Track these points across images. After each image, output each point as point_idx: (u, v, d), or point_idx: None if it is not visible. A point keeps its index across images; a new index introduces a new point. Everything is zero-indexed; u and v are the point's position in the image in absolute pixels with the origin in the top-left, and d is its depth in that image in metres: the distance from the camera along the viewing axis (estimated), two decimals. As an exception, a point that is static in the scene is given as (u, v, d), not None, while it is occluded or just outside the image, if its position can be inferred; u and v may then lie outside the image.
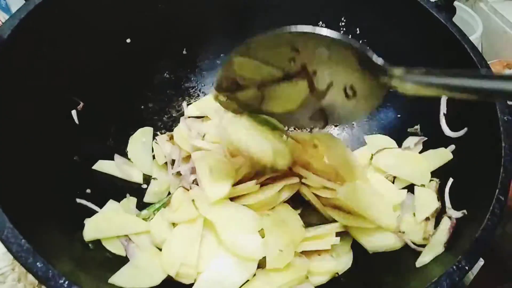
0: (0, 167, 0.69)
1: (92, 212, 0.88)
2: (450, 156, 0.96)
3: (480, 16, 1.49)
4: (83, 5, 0.92)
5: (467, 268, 0.67)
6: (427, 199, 0.93)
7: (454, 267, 0.66)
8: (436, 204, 0.91)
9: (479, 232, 0.70)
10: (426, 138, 1.03)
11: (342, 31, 1.13)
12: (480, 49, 1.47)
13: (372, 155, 1.03)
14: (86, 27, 0.94)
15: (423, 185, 0.97)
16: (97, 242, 0.81)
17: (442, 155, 0.97)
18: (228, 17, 1.14)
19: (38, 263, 0.60)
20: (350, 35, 1.13)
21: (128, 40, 1.05)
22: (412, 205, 0.94)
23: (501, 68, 1.40)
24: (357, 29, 1.12)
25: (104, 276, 0.74)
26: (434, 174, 0.97)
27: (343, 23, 1.13)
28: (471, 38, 1.33)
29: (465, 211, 0.85)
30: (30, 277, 0.96)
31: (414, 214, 0.92)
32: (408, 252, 0.86)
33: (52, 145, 0.86)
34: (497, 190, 0.74)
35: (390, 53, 1.06)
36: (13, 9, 1.28)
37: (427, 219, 0.91)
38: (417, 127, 1.05)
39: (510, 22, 1.50)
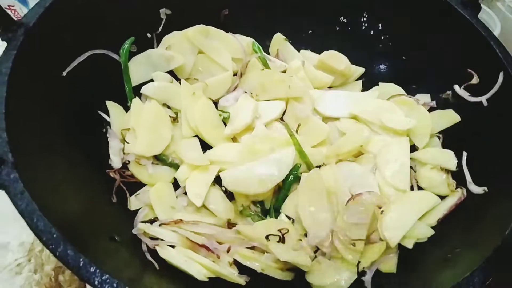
0: (27, 153, 0.68)
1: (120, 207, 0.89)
2: (458, 118, 0.99)
3: (497, 15, 1.48)
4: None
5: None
6: (440, 154, 0.98)
7: (486, 262, 0.65)
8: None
9: (510, 227, 0.69)
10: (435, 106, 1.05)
11: (363, 27, 1.13)
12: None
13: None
14: (108, 15, 0.94)
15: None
16: (123, 236, 0.80)
17: (449, 116, 1.00)
18: (250, 12, 1.14)
19: (69, 251, 0.59)
20: (372, 31, 1.13)
21: (149, 35, 1.05)
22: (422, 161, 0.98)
23: (519, 68, 1.38)
24: (380, 24, 1.11)
25: (131, 269, 0.74)
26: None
27: (364, 19, 1.12)
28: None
29: (485, 188, 0.86)
30: (47, 268, 0.96)
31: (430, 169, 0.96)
32: (433, 248, 0.85)
33: (76, 135, 0.86)
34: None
35: (413, 48, 1.07)
36: (30, 1, 1.27)
37: (447, 172, 0.95)
38: (449, 92, 1.03)
39: (527, 22, 1.49)
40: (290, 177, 0.92)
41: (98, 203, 0.83)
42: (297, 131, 1.01)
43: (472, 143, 0.93)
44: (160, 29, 1.05)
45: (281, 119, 1.05)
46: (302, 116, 1.03)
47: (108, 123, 0.96)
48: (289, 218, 0.91)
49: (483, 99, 0.93)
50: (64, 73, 0.87)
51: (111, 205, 0.86)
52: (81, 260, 0.58)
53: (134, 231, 0.83)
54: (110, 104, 0.97)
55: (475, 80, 0.96)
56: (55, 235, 0.60)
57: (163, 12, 1.05)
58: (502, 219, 0.72)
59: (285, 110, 1.05)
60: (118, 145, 0.94)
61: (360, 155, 0.99)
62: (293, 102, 1.04)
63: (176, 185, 0.95)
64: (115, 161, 0.93)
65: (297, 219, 0.89)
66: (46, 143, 0.76)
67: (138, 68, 1.02)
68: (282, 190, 0.93)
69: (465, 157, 0.94)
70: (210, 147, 0.99)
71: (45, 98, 0.81)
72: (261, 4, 1.14)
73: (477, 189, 0.88)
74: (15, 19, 0.78)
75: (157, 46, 1.06)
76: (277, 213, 0.92)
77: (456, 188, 0.91)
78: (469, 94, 0.96)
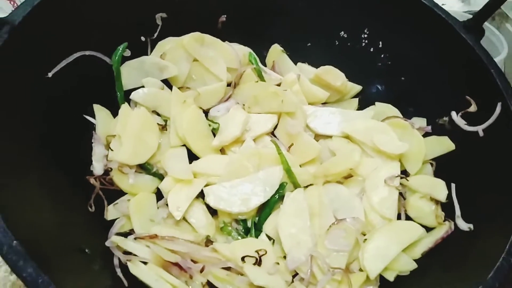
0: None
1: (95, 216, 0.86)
2: (452, 146, 0.96)
3: (506, 37, 1.44)
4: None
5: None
6: (431, 183, 0.95)
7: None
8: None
9: (492, 272, 0.66)
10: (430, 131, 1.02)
11: (364, 43, 1.10)
12: (502, 71, 1.44)
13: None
14: (101, 16, 0.92)
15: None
16: (95, 248, 0.78)
17: (444, 144, 0.97)
18: (249, 21, 1.11)
19: (29, 269, 0.57)
20: (372, 48, 1.10)
21: (143, 38, 1.02)
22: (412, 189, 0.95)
23: (523, 93, 1.35)
24: (380, 42, 1.08)
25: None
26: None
27: (365, 35, 1.09)
28: (496, 60, 1.29)
29: (471, 226, 0.84)
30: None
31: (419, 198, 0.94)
32: (414, 282, 0.82)
33: (55, 138, 0.83)
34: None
35: (413, 70, 1.04)
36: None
37: (437, 202, 0.92)
38: (446, 119, 0.99)
39: (536, 45, 1.45)
40: (275, 196, 0.90)
41: (73, 211, 0.81)
42: (289, 149, 0.99)
43: (464, 174, 0.90)
44: (155, 35, 1.03)
45: (272, 133, 1.03)
46: (293, 132, 1.00)
47: (94, 128, 0.94)
48: (270, 238, 0.89)
49: (479, 129, 0.90)
50: (50, 74, 0.85)
51: (86, 214, 0.84)
52: (39, 278, 0.56)
53: (107, 244, 0.80)
54: (97, 108, 0.95)
55: (473, 108, 0.93)
56: (16, 249, 0.58)
57: (159, 17, 1.02)
58: (487, 260, 0.70)
59: (277, 124, 1.03)
60: (102, 151, 0.92)
61: (350, 177, 0.97)
62: (285, 117, 1.02)
63: (159, 194, 0.93)
64: (97, 168, 0.90)
65: (278, 240, 0.87)
66: (19, 145, 0.74)
67: (129, 73, 0.99)
68: (266, 208, 0.90)
69: (455, 189, 0.91)
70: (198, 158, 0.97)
71: (28, 99, 0.79)
72: (260, 13, 1.11)
73: (463, 225, 0.85)
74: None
75: (151, 51, 1.04)
76: (258, 232, 0.89)
77: (444, 221, 0.88)
78: (466, 123, 0.93)
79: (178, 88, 1.02)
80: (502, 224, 0.73)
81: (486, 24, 1.35)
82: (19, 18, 0.76)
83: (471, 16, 0.99)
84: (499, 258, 0.67)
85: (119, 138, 0.92)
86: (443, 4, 1.60)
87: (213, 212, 0.91)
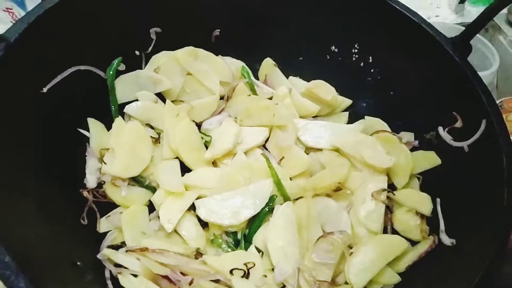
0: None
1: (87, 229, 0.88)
2: (438, 161, 0.98)
3: (498, 49, 1.46)
4: (94, 11, 0.92)
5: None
6: (417, 197, 0.96)
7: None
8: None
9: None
10: (418, 145, 1.04)
11: (354, 58, 1.12)
12: (495, 84, 1.45)
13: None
14: (96, 32, 0.94)
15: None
16: (87, 260, 0.80)
17: (430, 158, 0.99)
18: (242, 35, 1.13)
19: (20, 283, 0.59)
20: (362, 63, 1.12)
21: (137, 53, 1.04)
22: (399, 202, 0.96)
23: (515, 105, 1.37)
24: (370, 57, 1.10)
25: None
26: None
27: (356, 50, 1.11)
28: (487, 72, 1.31)
29: (454, 241, 0.86)
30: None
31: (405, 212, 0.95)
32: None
33: (50, 152, 0.86)
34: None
35: (401, 85, 1.06)
36: (28, 5, 1.27)
37: (422, 216, 0.93)
38: (433, 133, 1.01)
39: (528, 58, 1.47)
40: (265, 208, 0.92)
41: (65, 224, 0.82)
42: (279, 163, 1.01)
43: (449, 189, 0.92)
44: (150, 49, 1.05)
45: (264, 146, 1.05)
46: (284, 145, 1.02)
47: (88, 141, 0.96)
48: (259, 250, 0.90)
49: (465, 144, 0.91)
50: (45, 89, 0.87)
51: (78, 227, 0.86)
52: (30, 293, 0.58)
53: (98, 256, 0.82)
54: (91, 122, 0.97)
55: (459, 124, 0.94)
56: (8, 265, 0.59)
57: (153, 32, 1.04)
58: (467, 276, 0.71)
59: (268, 137, 1.05)
60: (96, 164, 0.94)
61: (339, 190, 0.98)
62: (276, 130, 1.04)
63: (151, 206, 0.95)
64: (90, 181, 0.92)
65: (266, 252, 0.88)
66: (12, 158, 0.76)
67: (124, 87, 1.01)
68: (256, 220, 0.92)
69: (439, 203, 0.92)
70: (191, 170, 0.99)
71: (22, 113, 0.81)
72: (253, 27, 1.13)
73: (446, 240, 0.86)
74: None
75: (146, 64, 1.06)
76: (248, 244, 0.91)
77: (428, 235, 0.90)
78: (452, 138, 0.95)
79: (172, 101, 1.04)
80: (484, 241, 0.75)
81: (478, 36, 1.38)
82: (15, 35, 0.78)
83: (463, 28, 1.00)
84: (478, 275, 0.69)
85: (113, 151, 0.94)
86: (436, 16, 1.63)
87: (204, 224, 0.93)
